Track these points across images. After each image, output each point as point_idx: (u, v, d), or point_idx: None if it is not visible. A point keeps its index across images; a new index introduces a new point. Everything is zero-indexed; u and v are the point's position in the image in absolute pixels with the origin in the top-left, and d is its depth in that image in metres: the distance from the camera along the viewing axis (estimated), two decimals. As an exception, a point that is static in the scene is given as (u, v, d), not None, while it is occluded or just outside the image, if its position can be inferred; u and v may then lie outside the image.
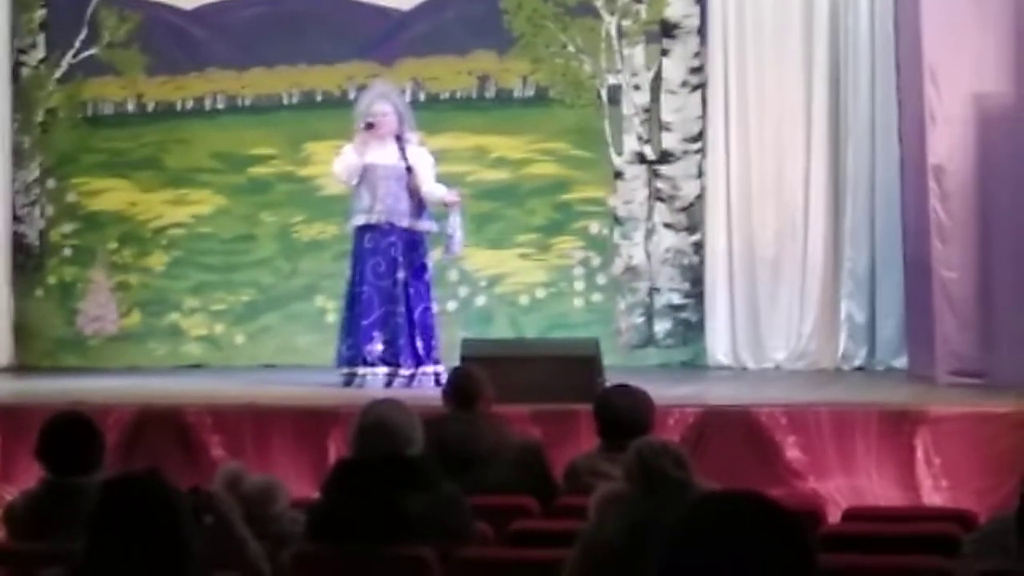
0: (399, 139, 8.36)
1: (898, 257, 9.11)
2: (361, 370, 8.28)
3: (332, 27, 10.15)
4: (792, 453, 6.90)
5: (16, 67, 10.47)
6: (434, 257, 8.65)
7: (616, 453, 4.99)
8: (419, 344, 8.25)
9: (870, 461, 6.85)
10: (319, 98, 10.23)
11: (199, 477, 5.99)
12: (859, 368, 9.29)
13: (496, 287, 10.02)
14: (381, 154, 8.32)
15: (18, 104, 10.45)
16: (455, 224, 8.38)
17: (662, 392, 6.61)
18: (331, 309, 9.88)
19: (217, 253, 10.35)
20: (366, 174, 8.31)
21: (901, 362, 9.13)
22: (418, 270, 8.35)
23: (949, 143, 8.12)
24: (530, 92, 10.06)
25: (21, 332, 10.36)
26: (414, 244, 8.35)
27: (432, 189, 8.34)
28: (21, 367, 10.16)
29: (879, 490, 6.79)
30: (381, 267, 8.30)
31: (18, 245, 10.43)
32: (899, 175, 9.08)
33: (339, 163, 8.44)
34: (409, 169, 8.28)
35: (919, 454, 6.81)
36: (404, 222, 8.31)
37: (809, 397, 7.62)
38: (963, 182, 8.10)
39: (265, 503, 4.78)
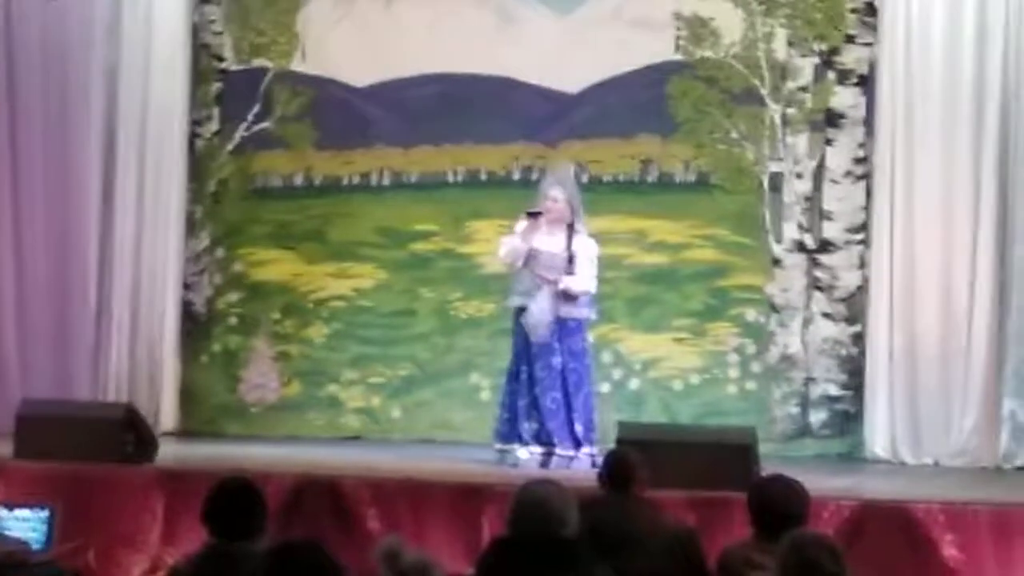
0: (570, 227, 8.43)
1: (1064, 356, 8.95)
2: (517, 447, 8.34)
3: (499, 108, 10.29)
4: (949, 551, 6.77)
5: (192, 138, 10.79)
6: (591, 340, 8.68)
7: (770, 544, 4.94)
8: (578, 427, 8.27)
9: (1030, 563, 6.71)
10: (483, 177, 10.36)
11: (354, 547, 6.09)
12: (1021, 468, 9.10)
13: (650, 371, 10.01)
14: (548, 240, 8.39)
15: (192, 174, 10.75)
16: (546, 303, 8.35)
17: (818, 484, 6.53)
18: (486, 387, 9.96)
19: (376, 327, 10.50)
20: (529, 258, 8.39)
21: (1064, 463, 8.95)
22: (578, 354, 8.37)
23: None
24: (692, 177, 10.08)
25: (186, 398, 10.61)
26: (572, 330, 8.37)
27: (570, 282, 8.35)
28: (185, 432, 10.38)
29: (1039, 593, 6.65)
30: (541, 352, 8.34)
31: (186, 312, 10.70)
32: (1068, 273, 8.93)
33: (505, 247, 8.51)
34: (571, 259, 8.35)
35: (1082, 557, 6.66)
36: (561, 310, 8.36)
37: (968, 495, 7.47)
38: None
39: (421, 579, 4.83)
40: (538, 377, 8.33)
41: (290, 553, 3.58)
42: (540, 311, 8.30)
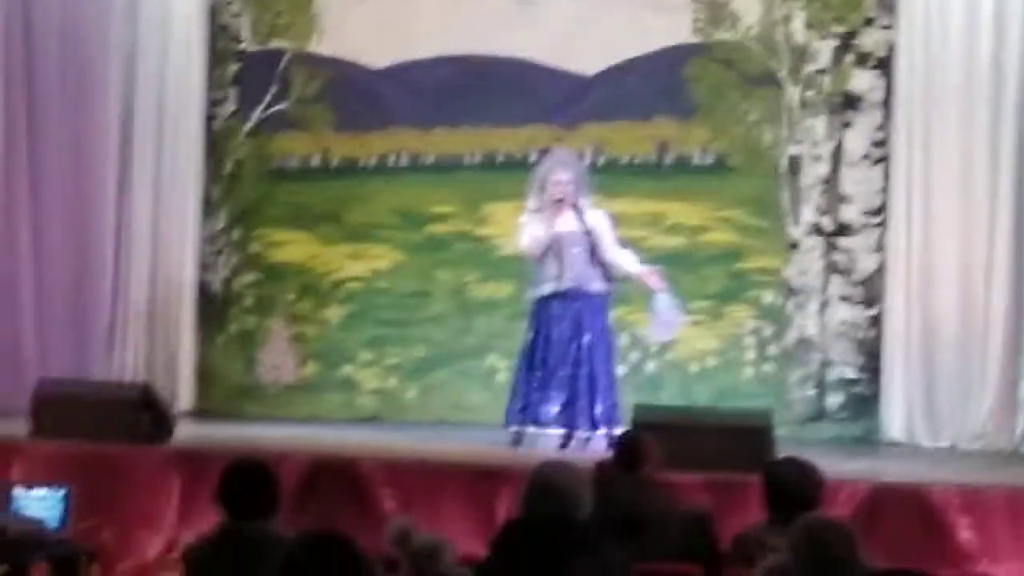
0: (574, 205, 8.42)
1: (1082, 338, 8.92)
2: (532, 430, 8.33)
3: (517, 90, 10.27)
4: (965, 535, 6.76)
5: (209, 119, 10.79)
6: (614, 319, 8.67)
7: (784, 526, 4.94)
8: (598, 408, 8.26)
9: (1046, 546, 6.70)
10: (500, 159, 10.35)
11: (369, 528, 6.09)
12: (1037, 451, 9.09)
13: (667, 354, 10.00)
14: (564, 222, 8.38)
15: (209, 155, 10.76)
16: (663, 306, 8.40)
17: (833, 467, 6.53)
18: (501, 368, 9.96)
19: (392, 308, 10.51)
20: (553, 243, 8.37)
21: (1081, 446, 8.92)
22: (603, 333, 8.39)
23: None
24: (709, 160, 10.06)
25: (203, 378, 10.63)
26: (599, 307, 8.38)
27: (617, 257, 8.38)
28: (202, 412, 10.40)
29: (1054, 576, 6.64)
30: (568, 332, 8.32)
31: (203, 293, 10.71)
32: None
33: (527, 238, 8.44)
34: (589, 233, 8.35)
35: (1098, 540, 6.64)
36: (590, 286, 8.36)
37: (985, 478, 7.47)
38: None
39: (432, 560, 4.86)
40: (563, 358, 8.30)
41: (320, 546, 3.56)
42: (667, 324, 8.40)
